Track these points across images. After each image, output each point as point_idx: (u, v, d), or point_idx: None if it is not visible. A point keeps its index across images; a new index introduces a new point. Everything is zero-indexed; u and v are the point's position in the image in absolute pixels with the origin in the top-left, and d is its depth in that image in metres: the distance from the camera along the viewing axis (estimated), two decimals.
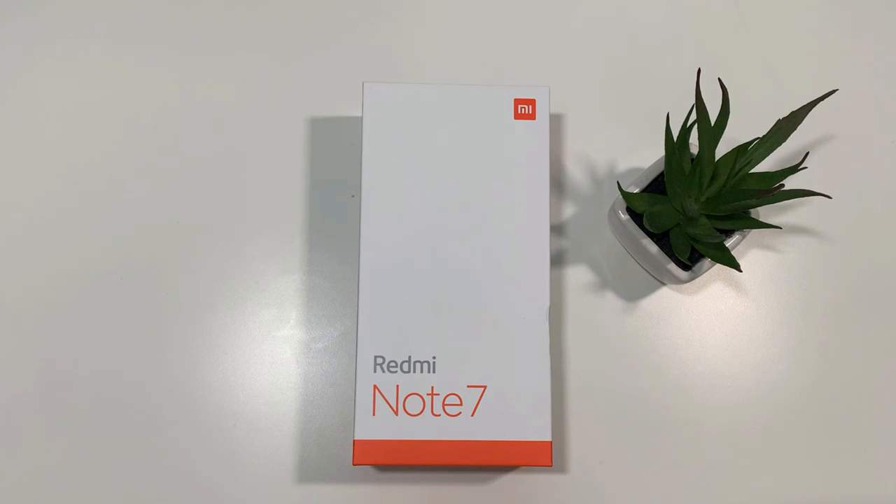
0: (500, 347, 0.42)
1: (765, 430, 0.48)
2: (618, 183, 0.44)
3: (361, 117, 0.44)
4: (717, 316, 0.49)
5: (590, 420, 0.47)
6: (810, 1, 0.53)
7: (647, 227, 0.44)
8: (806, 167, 0.42)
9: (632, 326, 0.49)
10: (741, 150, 0.41)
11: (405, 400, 0.42)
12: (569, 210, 0.50)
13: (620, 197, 0.45)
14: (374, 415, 0.41)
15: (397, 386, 0.42)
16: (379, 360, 0.42)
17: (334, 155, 0.50)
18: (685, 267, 0.45)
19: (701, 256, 0.45)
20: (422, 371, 0.42)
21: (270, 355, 0.48)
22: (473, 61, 0.52)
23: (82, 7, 0.52)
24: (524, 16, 0.53)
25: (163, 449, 0.47)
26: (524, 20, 0.52)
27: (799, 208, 0.50)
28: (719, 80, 0.41)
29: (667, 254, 0.45)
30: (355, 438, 0.41)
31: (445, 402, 0.42)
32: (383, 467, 0.47)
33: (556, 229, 0.50)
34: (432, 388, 0.42)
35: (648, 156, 0.49)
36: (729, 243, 0.44)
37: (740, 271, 0.44)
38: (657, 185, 0.46)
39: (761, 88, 0.52)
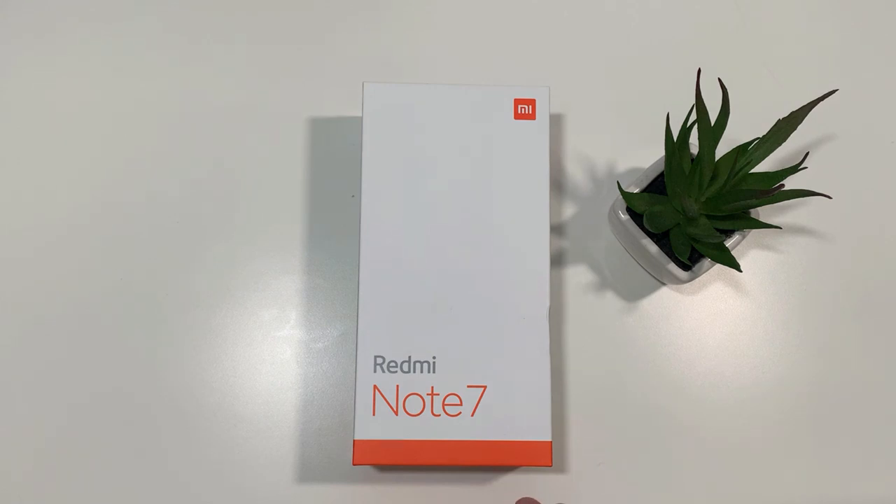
0: (500, 347, 0.42)
1: (765, 430, 0.48)
2: (618, 183, 0.44)
3: (361, 117, 0.44)
4: (717, 316, 0.49)
5: (590, 420, 0.47)
6: (810, 1, 0.53)
7: (647, 227, 0.44)
8: (806, 167, 0.42)
9: (632, 326, 0.49)
10: (741, 150, 0.41)
11: (405, 400, 0.42)
12: (569, 210, 0.50)
13: (620, 197, 0.45)
14: (374, 415, 0.41)
15: (397, 386, 0.42)
16: (379, 360, 0.42)
17: (334, 155, 0.50)
18: (685, 267, 0.45)
19: (701, 256, 0.45)
20: (422, 371, 0.42)
21: (270, 355, 0.48)
22: (473, 61, 0.52)
23: (82, 8, 0.52)
24: (524, 16, 0.53)
25: (163, 449, 0.47)
26: (524, 20, 0.52)
27: (799, 208, 0.50)
28: (719, 80, 0.41)
29: (667, 254, 0.45)
30: (355, 438, 0.41)
31: (445, 402, 0.42)
32: (383, 467, 0.47)
33: (556, 229, 0.50)
34: (432, 388, 0.42)
35: (648, 156, 0.49)
36: (729, 243, 0.44)
37: (740, 271, 0.44)
38: (657, 185, 0.46)
39: (761, 88, 0.52)
